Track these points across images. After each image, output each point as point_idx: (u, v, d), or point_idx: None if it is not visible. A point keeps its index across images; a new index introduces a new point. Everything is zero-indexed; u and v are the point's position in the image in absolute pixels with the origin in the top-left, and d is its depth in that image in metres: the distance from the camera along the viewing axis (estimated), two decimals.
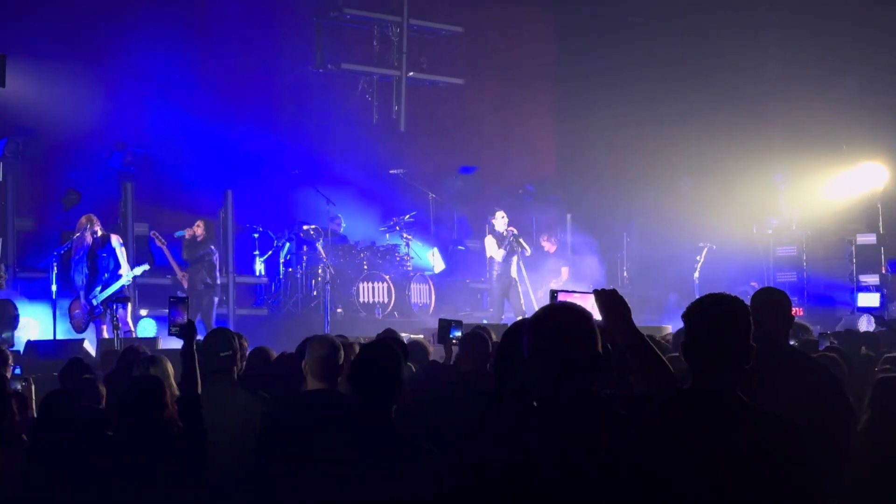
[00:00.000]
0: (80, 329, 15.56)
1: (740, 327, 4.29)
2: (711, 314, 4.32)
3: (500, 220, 19.13)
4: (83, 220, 15.68)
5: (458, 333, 8.93)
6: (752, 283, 21.64)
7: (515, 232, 19.06)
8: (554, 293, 5.05)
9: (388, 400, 5.40)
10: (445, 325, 9.05)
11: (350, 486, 5.15)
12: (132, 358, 8.51)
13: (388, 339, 6.70)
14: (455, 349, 8.80)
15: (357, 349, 7.33)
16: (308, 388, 6.57)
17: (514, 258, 19.04)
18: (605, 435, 4.02)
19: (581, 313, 4.21)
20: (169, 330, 6.66)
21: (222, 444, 6.75)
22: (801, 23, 23.61)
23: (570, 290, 5.12)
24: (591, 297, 4.82)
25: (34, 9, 19.64)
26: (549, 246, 21.40)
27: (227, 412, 7.05)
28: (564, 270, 21.19)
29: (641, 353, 4.70)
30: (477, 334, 8.39)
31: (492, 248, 18.98)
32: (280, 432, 6.18)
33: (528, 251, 19.38)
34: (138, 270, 15.54)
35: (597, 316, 4.78)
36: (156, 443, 6.11)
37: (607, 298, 4.77)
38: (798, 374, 6.07)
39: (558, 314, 4.23)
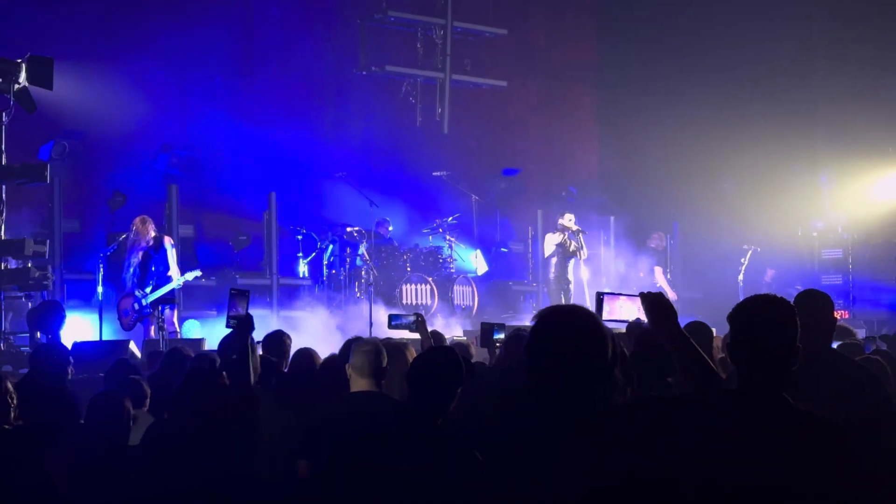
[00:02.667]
0: (128, 328, 15.65)
1: (786, 329, 4.28)
2: (757, 315, 4.32)
3: (568, 222, 19.27)
4: (137, 221, 15.74)
5: (501, 336, 8.95)
6: (770, 270, 21.88)
7: (576, 229, 19.15)
8: (600, 295, 5.07)
9: (444, 407, 5.38)
10: (488, 329, 9.07)
11: (397, 487, 5.14)
12: (176, 359, 8.57)
13: (454, 347, 6.68)
14: (498, 351, 8.82)
15: (411, 352, 7.37)
16: (353, 390, 6.59)
17: (572, 261, 19.13)
18: (605, 440, 4.00)
19: (586, 318, 4.10)
20: (227, 322, 6.62)
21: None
22: (848, 25, 23.45)
23: (616, 292, 5.14)
24: (638, 300, 4.84)
25: (81, 12, 19.79)
26: (658, 244, 22.06)
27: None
28: (657, 270, 21.79)
29: (686, 355, 4.70)
30: (519, 336, 8.40)
31: (549, 244, 19.13)
32: (327, 433, 6.19)
33: (585, 254, 19.43)
34: (190, 276, 15.57)
35: (643, 318, 4.80)
36: (210, 433, 6.12)
37: (653, 301, 4.78)
38: (839, 378, 6.03)
39: (560, 317, 4.14)
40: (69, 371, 8.51)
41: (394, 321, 9.00)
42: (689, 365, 4.67)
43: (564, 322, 4.06)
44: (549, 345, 4.01)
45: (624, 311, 5.36)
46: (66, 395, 8.06)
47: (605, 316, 5.53)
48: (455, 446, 5.24)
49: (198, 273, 15.79)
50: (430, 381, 5.37)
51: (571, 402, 3.99)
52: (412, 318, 8.86)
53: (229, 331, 6.62)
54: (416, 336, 9.17)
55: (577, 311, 4.14)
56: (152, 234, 15.62)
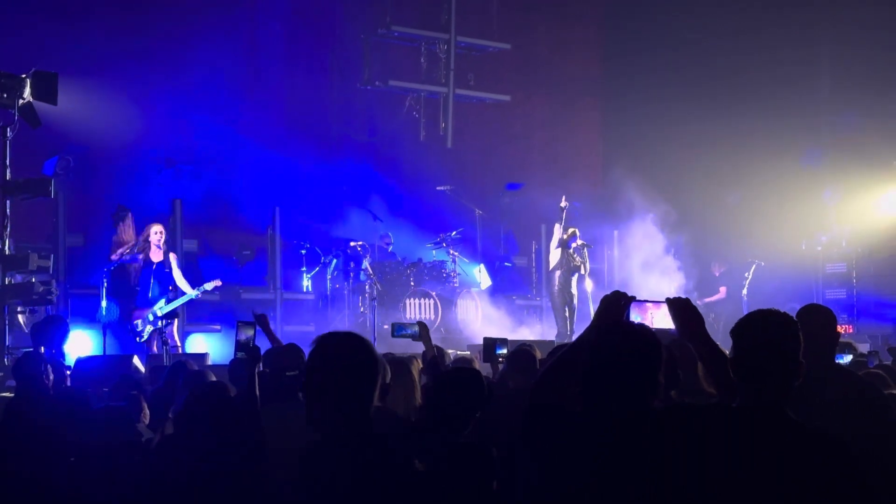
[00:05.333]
0: (141, 339, 15.66)
1: (788, 344, 4.27)
2: (760, 330, 4.31)
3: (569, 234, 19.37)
4: (158, 230, 15.78)
5: (504, 351, 8.95)
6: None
7: (581, 243, 19.18)
8: (626, 303, 5.06)
9: (459, 429, 5.39)
10: (491, 344, 9.07)
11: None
12: (181, 373, 8.56)
13: (479, 371, 6.66)
14: (501, 366, 8.81)
15: (416, 365, 7.36)
16: None
17: (575, 275, 19.16)
18: (651, 451, 4.08)
19: (649, 338, 4.35)
20: (235, 353, 6.70)
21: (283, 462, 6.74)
22: (853, 39, 23.47)
23: (643, 299, 5.12)
24: (664, 306, 4.85)
25: (85, 27, 19.83)
26: (716, 270, 23.11)
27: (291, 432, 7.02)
28: (722, 290, 22.75)
29: (714, 360, 4.71)
30: (524, 351, 8.38)
31: (553, 253, 19.20)
32: None
33: (588, 268, 19.44)
34: (209, 286, 15.66)
35: (669, 325, 4.82)
36: (217, 448, 6.11)
37: (680, 307, 4.79)
38: (843, 393, 6.02)
39: (624, 337, 4.38)
40: (48, 377, 8.42)
41: (397, 331, 8.98)
42: (716, 371, 4.67)
43: (627, 341, 4.35)
44: (612, 359, 4.30)
45: (656, 320, 5.34)
46: (48, 407, 7.98)
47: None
48: (478, 461, 5.24)
49: (218, 283, 15.85)
50: (452, 402, 5.38)
51: (623, 407, 4.26)
52: (416, 328, 8.85)
53: (238, 356, 6.68)
54: (418, 352, 9.14)
55: (639, 330, 4.45)
56: (162, 246, 15.75)
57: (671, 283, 22.53)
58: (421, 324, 8.84)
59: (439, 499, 4.41)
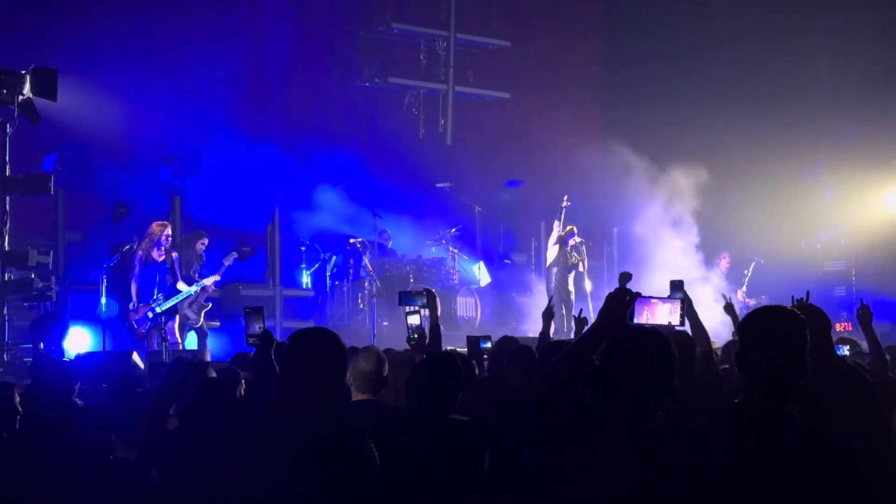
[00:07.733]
0: (142, 338, 15.66)
1: (795, 342, 4.25)
2: (766, 327, 4.29)
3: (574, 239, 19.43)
4: (156, 227, 15.75)
5: (488, 345, 9.01)
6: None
7: (580, 240, 19.20)
8: (631, 299, 5.08)
9: (448, 409, 5.44)
10: (474, 341, 9.14)
11: (404, 493, 5.14)
12: (180, 369, 8.55)
13: (453, 354, 6.69)
14: (486, 362, 8.86)
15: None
16: (353, 399, 6.59)
17: (573, 272, 19.18)
18: (660, 449, 4.12)
19: (663, 343, 4.42)
20: (246, 341, 6.70)
21: None
22: (853, 39, 23.47)
23: (648, 296, 5.13)
24: (662, 304, 4.87)
25: (85, 24, 19.82)
26: (724, 265, 22.48)
27: None
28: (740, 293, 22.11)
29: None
30: (526, 347, 8.37)
31: (551, 250, 19.23)
32: None
33: (586, 266, 19.46)
34: (207, 281, 15.66)
35: (667, 321, 4.85)
36: (224, 446, 6.10)
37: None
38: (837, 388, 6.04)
39: (641, 338, 4.47)
40: (76, 388, 8.46)
41: (405, 301, 8.83)
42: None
43: (642, 342, 4.45)
44: (628, 360, 4.39)
45: (654, 316, 5.33)
46: (71, 411, 8.01)
47: (639, 320, 5.49)
48: (466, 447, 5.26)
49: (216, 278, 15.86)
50: (430, 388, 5.42)
51: (638, 410, 4.34)
52: (423, 297, 8.76)
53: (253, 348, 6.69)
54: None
55: (652, 334, 4.54)
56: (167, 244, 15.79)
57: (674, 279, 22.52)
58: (428, 291, 8.77)
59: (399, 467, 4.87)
